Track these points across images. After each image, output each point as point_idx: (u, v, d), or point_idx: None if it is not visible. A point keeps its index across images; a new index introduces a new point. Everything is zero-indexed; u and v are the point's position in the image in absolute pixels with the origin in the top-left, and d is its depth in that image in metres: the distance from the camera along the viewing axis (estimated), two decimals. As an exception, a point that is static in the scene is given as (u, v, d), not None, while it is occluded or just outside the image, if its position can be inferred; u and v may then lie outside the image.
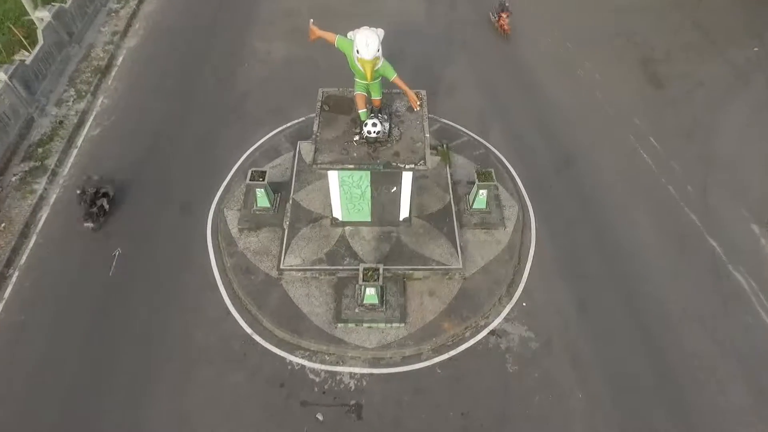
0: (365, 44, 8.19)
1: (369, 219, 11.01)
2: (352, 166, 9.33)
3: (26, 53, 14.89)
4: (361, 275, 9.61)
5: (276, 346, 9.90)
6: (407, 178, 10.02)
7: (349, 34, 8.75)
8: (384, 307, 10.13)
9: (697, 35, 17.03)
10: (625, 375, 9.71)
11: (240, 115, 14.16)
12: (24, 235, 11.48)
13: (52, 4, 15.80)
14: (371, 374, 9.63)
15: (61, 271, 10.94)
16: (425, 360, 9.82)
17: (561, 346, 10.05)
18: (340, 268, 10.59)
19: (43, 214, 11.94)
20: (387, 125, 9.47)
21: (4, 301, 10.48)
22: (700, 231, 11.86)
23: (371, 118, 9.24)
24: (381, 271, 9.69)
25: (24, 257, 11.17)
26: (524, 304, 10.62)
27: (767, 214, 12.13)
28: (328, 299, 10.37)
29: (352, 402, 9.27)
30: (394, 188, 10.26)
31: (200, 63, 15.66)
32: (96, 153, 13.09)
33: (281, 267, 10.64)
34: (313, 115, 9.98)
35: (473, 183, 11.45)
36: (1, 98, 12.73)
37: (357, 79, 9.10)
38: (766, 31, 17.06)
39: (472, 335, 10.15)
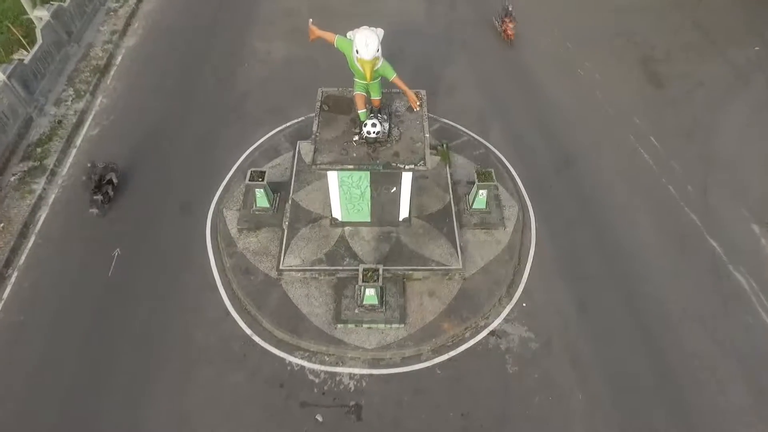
0: (365, 44, 8.17)
1: (369, 219, 10.98)
2: (351, 167, 9.31)
3: (25, 52, 14.84)
4: (360, 276, 9.58)
5: (275, 347, 9.89)
6: (407, 178, 10.00)
7: (349, 34, 8.72)
8: (384, 307, 10.11)
9: (698, 35, 17.00)
10: (625, 375, 9.70)
11: (239, 115, 14.13)
12: (23, 235, 11.45)
13: (51, 3, 15.76)
14: (371, 375, 9.61)
15: (60, 271, 10.92)
16: (425, 361, 9.81)
17: (561, 346, 10.04)
18: (340, 268, 10.57)
19: (42, 214, 11.91)
20: (386, 125, 9.44)
21: (2, 302, 10.46)
22: (701, 231, 11.84)
23: (371, 118, 9.21)
24: (381, 271, 9.67)
25: (23, 257, 11.15)
26: (524, 304, 10.61)
27: (767, 214, 12.12)
28: (328, 300, 10.35)
29: (352, 403, 9.25)
30: (394, 188, 10.23)
31: (200, 62, 15.62)
32: (95, 153, 13.03)
33: (281, 267, 10.62)
34: (313, 114, 9.96)
35: (473, 183, 11.43)
36: (-1, 98, 12.73)
37: (356, 79, 9.08)
38: (767, 31, 17.04)
39: (472, 336, 10.14)
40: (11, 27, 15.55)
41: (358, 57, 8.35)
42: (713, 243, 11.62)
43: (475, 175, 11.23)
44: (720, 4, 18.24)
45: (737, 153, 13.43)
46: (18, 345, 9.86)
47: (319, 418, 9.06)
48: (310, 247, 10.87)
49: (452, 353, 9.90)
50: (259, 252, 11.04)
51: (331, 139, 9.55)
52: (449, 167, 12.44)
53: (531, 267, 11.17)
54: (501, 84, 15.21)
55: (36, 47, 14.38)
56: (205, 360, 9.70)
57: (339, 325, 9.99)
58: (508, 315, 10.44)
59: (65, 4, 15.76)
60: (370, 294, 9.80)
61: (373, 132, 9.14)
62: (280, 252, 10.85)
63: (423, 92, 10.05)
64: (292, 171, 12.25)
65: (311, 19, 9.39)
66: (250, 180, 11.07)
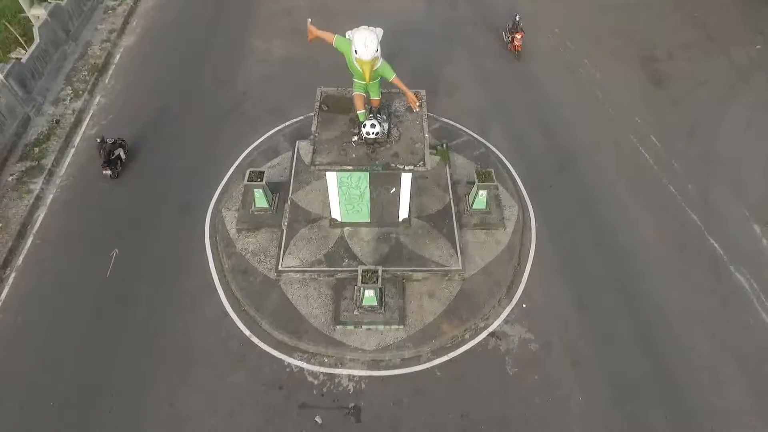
0: (364, 44, 8.09)
1: (368, 220, 10.94)
2: (350, 168, 9.25)
3: (22, 51, 14.78)
4: (360, 277, 9.54)
5: (275, 348, 9.86)
6: (406, 178, 9.95)
7: (348, 34, 8.64)
8: (383, 308, 10.08)
9: (698, 33, 16.93)
10: (625, 375, 9.68)
11: (238, 115, 14.07)
12: (21, 235, 11.41)
13: (49, 1, 15.71)
14: (370, 376, 9.59)
15: (58, 271, 10.89)
16: (424, 362, 9.78)
17: (561, 347, 10.02)
18: (339, 269, 10.53)
19: (40, 215, 11.87)
20: (386, 125, 9.39)
21: (1, 302, 10.42)
22: (701, 231, 11.81)
23: (370, 119, 9.15)
24: (380, 273, 9.63)
25: (21, 258, 11.11)
26: (524, 305, 10.58)
27: (768, 214, 12.10)
28: (327, 301, 10.32)
29: (351, 404, 9.23)
30: (393, 189, 10.18)
31: (198, 61, 15.55)
32: (93, 153, 12.98)
33: (280, 268, 10.58)
34: (312, 114, 9.90)
35: (473, 183, 11.38)
36: (-3, 97, 12.67)
37: (356, 80, 9.01)
38: (768, 29, 17.00)
39: (472, 337, 10.11)
40: (8, 26, 15.48)
41: (357, 57, 8.28)
42: (714, 243, 11.59)
43: (475, 175, 11.18)
44: (721, 2, 18.15)
45: (738, 152, 13.39)
46: (16, 345, 9.83)
47: (318, 419, 9.04)
48: (309, 247, 10.83)
49: (452, 354, 9.88)
50: (258, 253, 11.00)
51: (331, 139, 9.50)
52: (449, 167, 12.39)
53: (531, 267, 11.14)
54: (501, 83, 15.15)
55: (33, 46, 14.32)
56: (204, 361, 9.67)
57: (338, 327, 9.95)
58: (507, 316, 10.41)
59: (63, 3, 15.70)
60: (370, 295, 9.77)
61: (373, 133, 9.08)
62: (279, 253, 10.81)
63: (422, 92, 9.99)
64: (291, 171, 12.20)
65: (310, 19, 9.31)
66: (248, 180, 11.02)
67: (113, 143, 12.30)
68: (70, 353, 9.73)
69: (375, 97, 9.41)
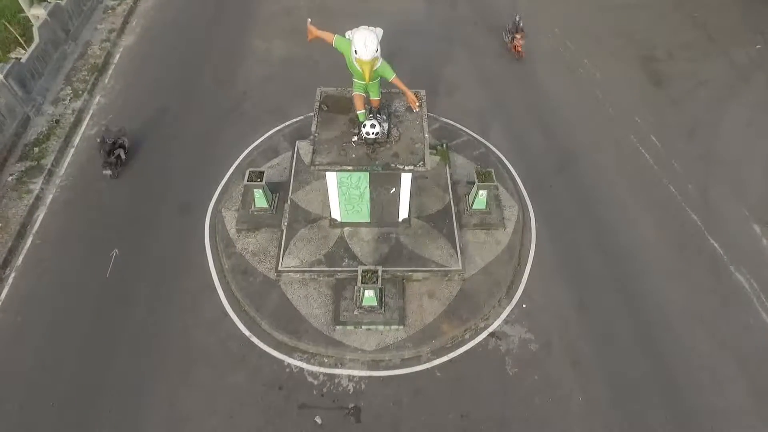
0: (363, 44, 8.08)
1: (368, 220, 10.93)
2: (350, 168, 9.25)
3: (22, 51, 14.77)
4: (359, 278, 9.54)
5: (274, 349, 9.85)
6: (406, 179, 9.94)
7: (347, 34, 8.63)
8: (383, 309, 10.07)
9: (698, 34, 16.92)
10: (625, 375, 9.67)
11: (238, 115, 14.06)
12: (20, 235, 11.40)
13: (48, 1, 15.68)
14: (370, 377, 9.58)
15: (58, 271, 10.88)
16: (424, 362, 9.77)
17: (561, 347, 10.01)
18: (339, 269, 10.52)
19: (40, 215, 11.86)
20: (386, 125, 9.37)
21: (0, 302, 10.41)
22: (701, 231, 11.80)
23: (370, 119, 9.14)
24: (380, 273, 9.62)
25: (20, 258, 11.10)
26: (524, 305, 10.57)
27: (768, 214, 12.10)
28: (327, 301, 10.31)
29: (351, 405, 9.22)
30: (393, 189, 10.18)
31: (198, 61, 15.54)
32: (93, 153, 12.97)
33: (279, 268, 10.57)
34: (312, 114, 9.90)
35: (473, 183, 11.36)
36: (-4, 97, 12.66)
37: (355, 80, 9.00)
38: (768, 29, 16.99)
39: (472, 337, 10.10)
40: (8, 25, 15.47)
41: (357, 57, 8.27)
42: (714, 243, 11.58)
43: (475, 175, 11.17)
44: (721, 2, 18.14)
45: (738, 152, 13.38)
46: (16, 346, 9.83)
47: (318, 420, 9.03)
48: (309, 247, 10.82)
49: (452, 355, 9.87)
50: (258, 253, 10.99)
51: (330, 139, 9.49)
52: (449, 167, 12.38)
53: (531, 268, 11.13)
54: (501, 83, 15.14)
55: (33, 46, 14.30)
56: (204, 361, 9.67)
57: (338, 327, 9.95)
58: (508, 316, 10.40)
59: (62, 3, 15.68)
60: (369, 295, 9.76)
61: (372, 133, 9.07)
62: (278, 253, 10.80)
63: (422, 92, 9.98)
64: (290, 171, 12.19)
65: (309, 19, 9.30)
66: (248, 180, 11.02)
67: (113, 143, 12.29)
68: (69, 353, 9.72)
69: (375, 97, 9.40)
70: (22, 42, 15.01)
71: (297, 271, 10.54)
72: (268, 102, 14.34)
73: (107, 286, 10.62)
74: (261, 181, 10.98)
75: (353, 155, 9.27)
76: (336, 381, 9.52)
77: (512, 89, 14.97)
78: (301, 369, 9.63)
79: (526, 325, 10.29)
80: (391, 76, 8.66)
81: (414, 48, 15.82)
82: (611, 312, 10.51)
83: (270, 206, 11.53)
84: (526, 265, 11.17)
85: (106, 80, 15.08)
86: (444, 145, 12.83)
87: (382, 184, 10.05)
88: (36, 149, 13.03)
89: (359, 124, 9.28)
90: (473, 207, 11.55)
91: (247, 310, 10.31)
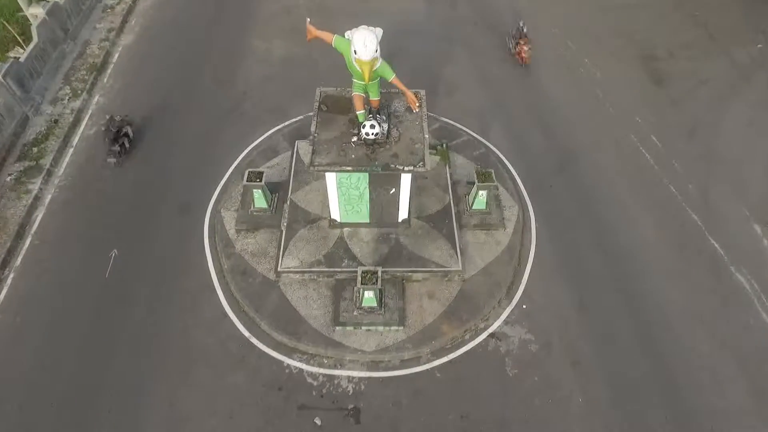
0: (363, 45, 8.05)
1: (368, 220, 10.91)
2: (350, 168, 9.22)
3: (20, 50, 14.73)
4: (359, 278, 9.52)
5: (274, 349, 9.84)
6: (406, 179, 9.91)
7: (347, 34, 8.60)
8: (383, 309, 10.05)
9: (699, 33, 16.88)
10: (625, 375, 9.66)
11: (238, 115, 14.03)
12: (19, 236, 11.37)
13: (47, 0, 15.61)
14: (370, 378, 9.57)
15: (57, 272, 10.86)
16: (424, 363, 9.75)
17: (561, 347, 10.00)
18: (339, 270, 10.50)
19: (39, 215, 11.83)
20: (385, 126, 9.34)
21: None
22: (702, 231, 11.78)
23: (369, 119, 9.11)
24: (380, 273, 9.60)
25: (19, 258, 11.08)
26: (524, 306, 10.55)
27: (769, 214, 12.07)
28: (327, 302, 10.29)
29: (351, 406, 9.21)
30: (393, 189, 10.16)
31: (198, 61, 15.50)
32: (92, 152, 12.96)
33: (279, 269, 10.55)
34: (311, 114, 9.87)
35: (473, 183, 11.34)
36: (-5, 97, 12.63)
37: (355, 80, 8.97)
38: (769, 28, 16.95)
39: (472, 338, 10.08)
40: (6, 25, 15.42)
41: (357, 58, 8.24)
42: (714, 243, 11.56)
43: (475, 176, 11.14)
44: (722, 1, 18.09)
45: (739, 152, 13.35)
46: (15, 346, 9.81)
47: (318, 421, 9.02)
48: (308, 248, 10.80)
49: (452, 355, 9.85)
50: (258, 253, 10.97)
51: (330, 139, 9.46)
52: (449, 167, 12.36)
53: (531, 268, 11.11)
54: (501, 83, 15.10)
55: (32, 45, 14.26)
56: (203, 362, 9.65)
57: (338, 328, 9.93)
58: (507, 317, 10.39)
59: (61, 2, 15.63)
60: (369, 296, 9.74)
61: (372, 133, 9.04)
62: (278, 253, 10.78)
63: (422, 92, 9.95)
64: (290, 171, 12.16)
65: (309, 19, 9.26)
66: (247, 180, 10.99)
67: (117, 131, 12.35)
68: (69, 353, 9.71)
69: (374, 98, 9.37)
70: (21, 41, 14.97)
71: (296, 272, 10.52)
72: (268, 102, 14.31)
73: (106, 287, 10.61)
74: (260, 181, 10.96)
75: (353, 156, 9.24)
76: (335, 382, 9.50)
77: (512, 89, 14.94)
78: (301, 370, 9.62)
79: (526, 325, 10.28)
80: (391, 77, 8.63)
81: (414, 48, 15.78)
82: (611, 312, 10.50)
83: (269, 206, 11.51)
84: (526, 265, 11.15)
85: (105, 80, 15.04)
86: (444, 145, 12.80)
87: (382, 184, 10.03)
88: (35, 149, 13.00)
89: (359, 125, 9.25)
90: (473, 207, 11.53)
91: (246, 310, 10.29)
